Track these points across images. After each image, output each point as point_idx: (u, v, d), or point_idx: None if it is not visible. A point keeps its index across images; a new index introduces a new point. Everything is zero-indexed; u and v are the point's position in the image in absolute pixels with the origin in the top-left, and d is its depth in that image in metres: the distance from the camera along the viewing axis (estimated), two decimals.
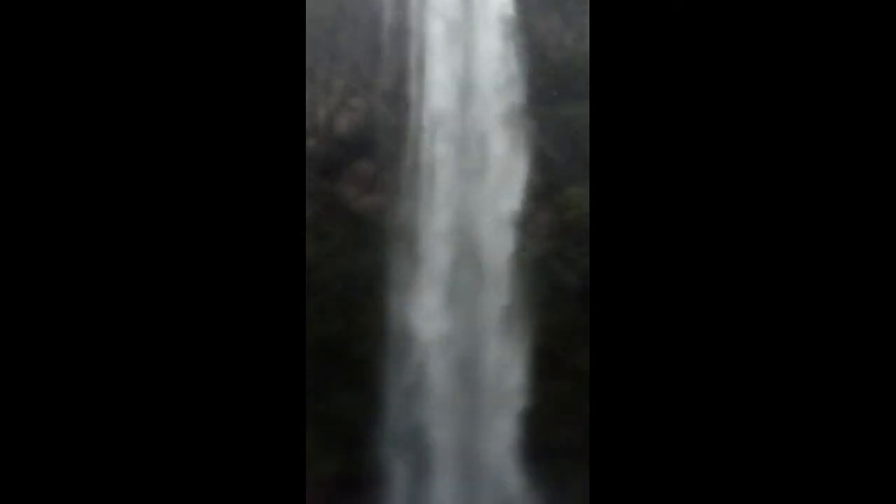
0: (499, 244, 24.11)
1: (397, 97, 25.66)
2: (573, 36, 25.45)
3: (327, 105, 26.07)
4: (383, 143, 25.44)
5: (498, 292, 23.75)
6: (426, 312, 23.62)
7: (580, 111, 24.49)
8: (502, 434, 22.86)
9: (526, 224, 24.12)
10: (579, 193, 23.84)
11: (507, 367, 23.45)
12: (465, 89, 25.27)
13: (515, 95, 24.92)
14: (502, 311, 23.66)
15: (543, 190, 24.33)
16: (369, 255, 24.09)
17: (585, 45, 25.13)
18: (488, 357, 23.54)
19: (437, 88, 25.39)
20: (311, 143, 24.85)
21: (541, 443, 22.43)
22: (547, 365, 22.90)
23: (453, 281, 23.82)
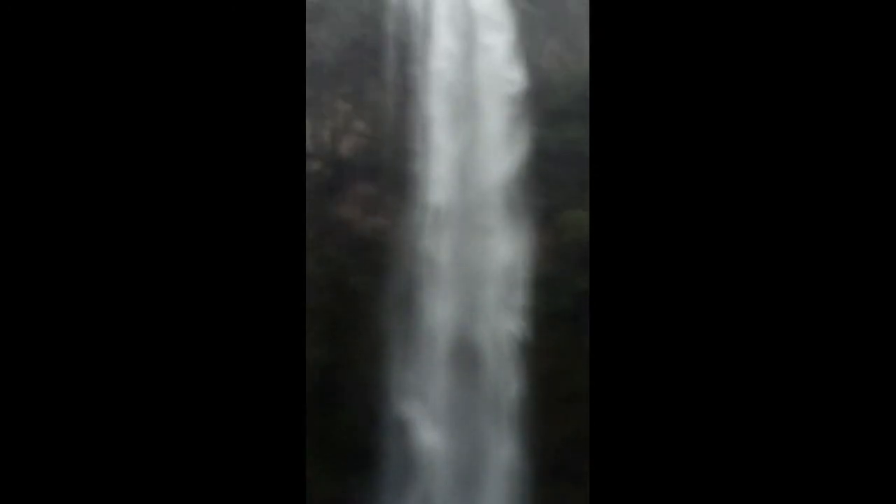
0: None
1: (400, 119, 25.90)
2: (573, 58, 25.52)
3: (330, 128, 26.36)
4: (386, 166, 25.70)
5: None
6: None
7: (580, 134, 24.60)
8: None
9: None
10: (577, 216, 23.91)
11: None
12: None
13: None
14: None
15: (543, 212, 24.43)
16: (370, 277, 24.33)
17: (585, 67, 25.30)
18: None
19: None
20: (314, 165, 25.14)
21: None
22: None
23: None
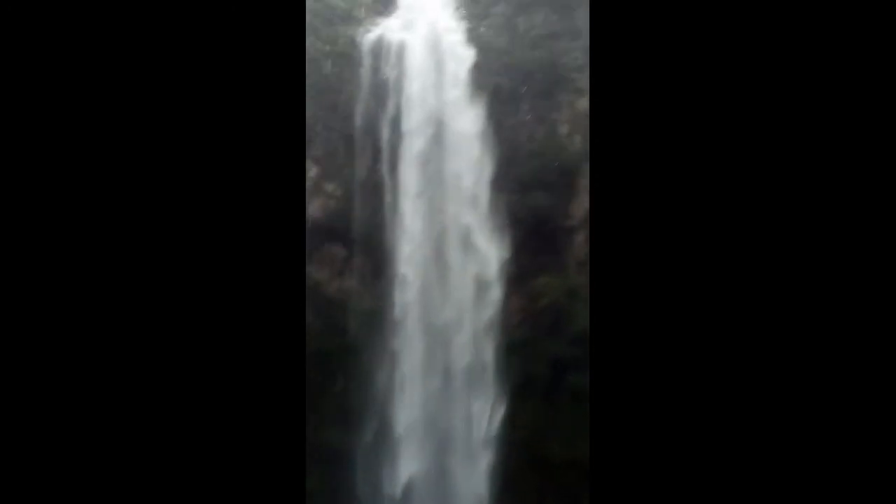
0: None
1: (370, 183, 25.89)
2: (545, 129, 26.08)
3: None
4: (356, 228, 25.54)
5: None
6: None
7: (551, 201, 25.01)
8: None
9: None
10: (550, 282, 24.01)
11: None
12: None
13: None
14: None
15: (515, 278, 24.45)
16: (339, 339, 23.83)
17: (556, 139, 25.91)
18: None
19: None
20: None
21: None
22: None
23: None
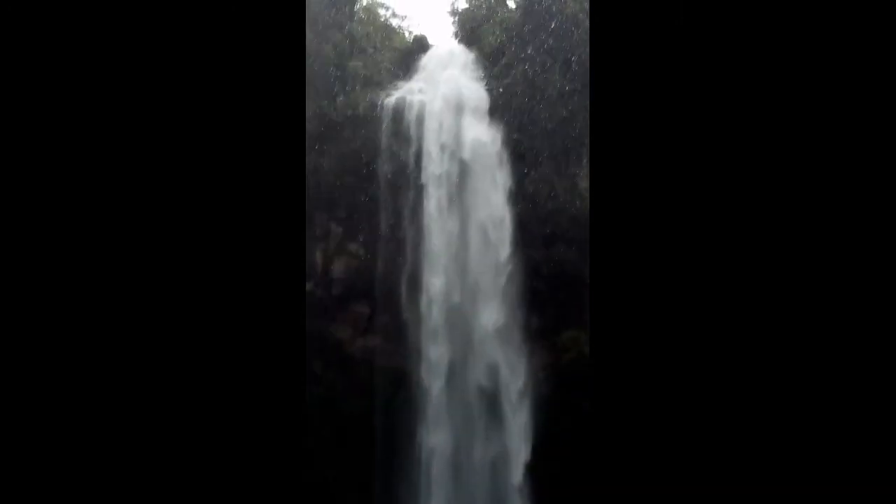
0: None
1: (393, 242, 26.10)
2: (565, 185, 26.19)
3: (324, 250, 26.45)
4: (379, 286, 25.65)
5: None
6: None
7: (573, 255, 24.96)
8: None
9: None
10: (575, 336, 23.78)
11: None
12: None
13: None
14: None
15: (540, 333, 24.29)
16: (362, 399, 23.74)
17: (576, 192, 25.98)
18: None
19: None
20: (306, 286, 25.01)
21: None
22: None
23: None
